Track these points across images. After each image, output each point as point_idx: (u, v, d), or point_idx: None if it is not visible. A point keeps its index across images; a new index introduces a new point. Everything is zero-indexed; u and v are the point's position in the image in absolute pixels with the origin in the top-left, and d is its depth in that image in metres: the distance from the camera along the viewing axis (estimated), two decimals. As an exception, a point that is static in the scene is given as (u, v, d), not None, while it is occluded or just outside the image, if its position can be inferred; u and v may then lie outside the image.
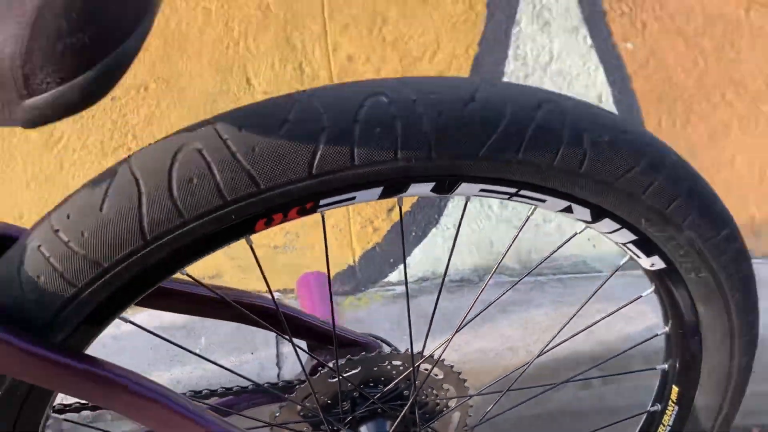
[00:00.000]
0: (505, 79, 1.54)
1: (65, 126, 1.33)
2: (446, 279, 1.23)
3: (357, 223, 1.35)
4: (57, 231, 0.56)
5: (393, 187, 0.60)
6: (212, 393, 0.81)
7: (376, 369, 0.80)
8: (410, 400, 0.80)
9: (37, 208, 1.25)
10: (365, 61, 1.52)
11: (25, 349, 0.55)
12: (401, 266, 1.30)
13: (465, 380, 0.83)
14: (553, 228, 1.36)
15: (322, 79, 1.48)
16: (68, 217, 0.56)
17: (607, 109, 0.66)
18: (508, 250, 0.79)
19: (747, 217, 1.45)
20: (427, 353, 0.76)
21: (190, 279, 0.63)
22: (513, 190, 0.63)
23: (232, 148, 0.55)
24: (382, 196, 0.62)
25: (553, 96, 0.62)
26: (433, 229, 1.36)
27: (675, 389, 0.84)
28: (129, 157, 0.57)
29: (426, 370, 0.79)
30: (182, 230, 0.56)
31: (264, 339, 1.14)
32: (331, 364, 0.76)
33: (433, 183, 0.62)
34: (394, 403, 0.81)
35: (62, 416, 0.77)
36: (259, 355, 1.10)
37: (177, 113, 1.38)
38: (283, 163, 0.55)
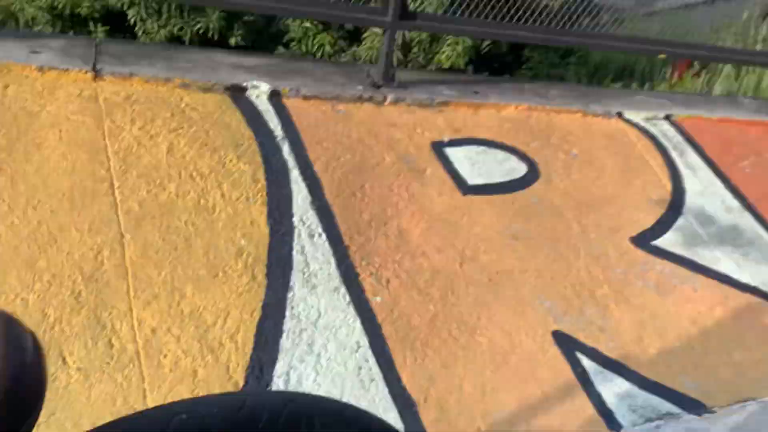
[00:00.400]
0: (284, 335, 1.93)
1: None
2: None
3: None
4: None
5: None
6: None
7: None
8: None
9: None
10: (166, 332, 1.85)
11: None
12: None
13: None
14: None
15: (129, 352, 1.76)
16: None
17: (331, 398, 1.06)
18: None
19: (475, 429, 1.91)
20: None
21: None
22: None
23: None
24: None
25: (297, 395, 1.01)
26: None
27: None
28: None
29: None
30: None
31: None
32: None
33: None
34: None
35: None
36: None
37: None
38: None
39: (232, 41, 6.47)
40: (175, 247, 2.04)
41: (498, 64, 8.98)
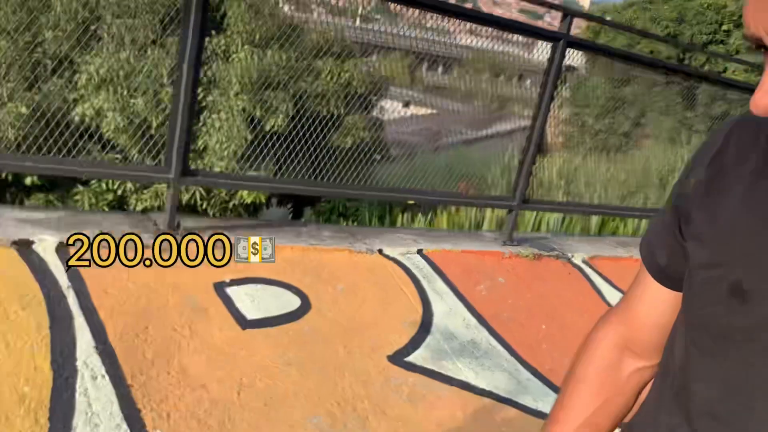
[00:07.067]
0: (64, 475, 2.08)
1: None
2: None
3: None
4: None
5: None
6: None
7: None
8: None
9: None
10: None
11: None
12: None
13: None
14: None
15: None
16: None
17: None
18: None
19: None
20: None
21: None
22: None
23: None
24: None
25: None
26: None
27: None
28: None
29: None
30: None
31: None
32: None
33: None
34: None
35: None
36: None
37: None
38: None
39: (28, 181, 6.46)
40: (-47, 400, 2.15)
41: (300, 198, 9.65)
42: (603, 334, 1.02)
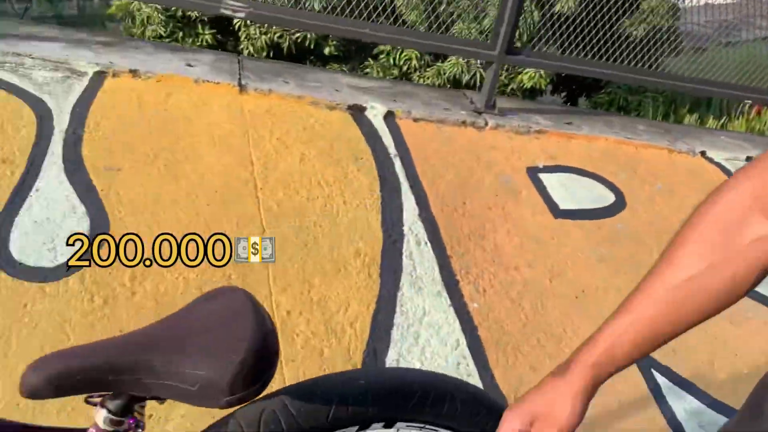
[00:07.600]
0: (394, 328, 2.23)
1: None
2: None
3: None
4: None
5: (364, 426, 1.23)
6: None
7: None
8: None
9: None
10: (298, 315, 2.17)
11: None
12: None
13: None
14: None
15: (268, 330, 2.09)
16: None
17: (467, 382, 1.33)
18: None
19: (556, 426, 2.16)
20: None
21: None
22: (422, 425, 1.27)
23: (291, 410, 1.15)
24: (359, 430, 1.24)
25: (444, 377, 1.29)
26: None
27: None
28: (235, 412, 1.15)
29: None
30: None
31: None
32: None
33: (383, 423, 1.24)
34: None
35: None
36: None
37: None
38: (314, 416, 1.16)
39: (327, 51, 6.86)
40: (305, 244, 2.37)
41: (576, 86, 9.13)
42: (729, 188, 0.79)
